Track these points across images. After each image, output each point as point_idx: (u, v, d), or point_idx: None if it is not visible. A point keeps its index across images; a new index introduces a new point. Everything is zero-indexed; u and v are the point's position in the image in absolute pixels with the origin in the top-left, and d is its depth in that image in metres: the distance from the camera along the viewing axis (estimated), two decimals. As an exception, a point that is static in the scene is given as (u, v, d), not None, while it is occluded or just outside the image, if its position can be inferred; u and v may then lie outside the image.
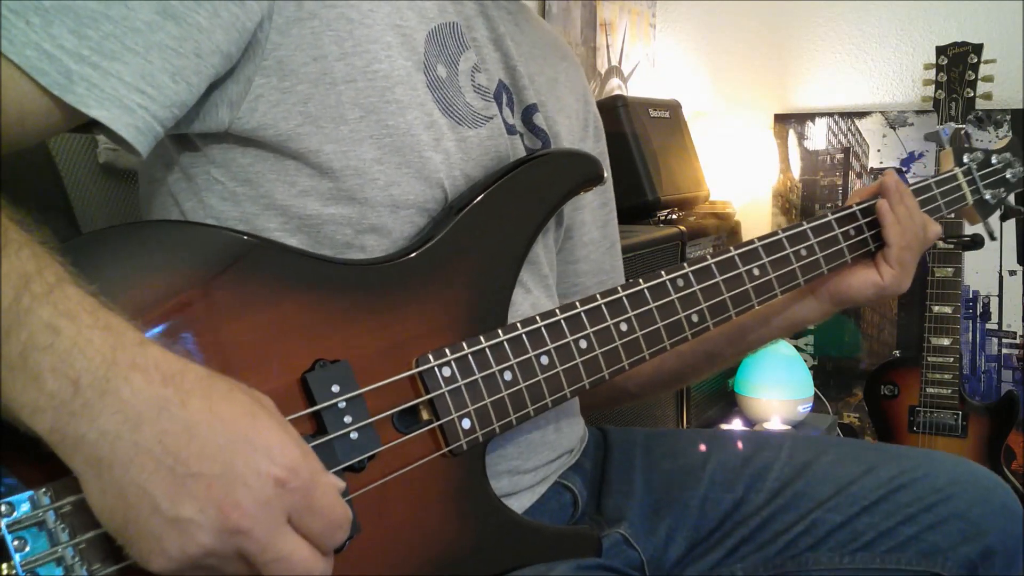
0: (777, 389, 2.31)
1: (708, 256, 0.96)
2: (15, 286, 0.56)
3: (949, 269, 2.28)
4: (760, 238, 1.00)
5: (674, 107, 2.42)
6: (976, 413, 2.32)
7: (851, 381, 2.79)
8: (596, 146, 1.12)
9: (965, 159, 1.22)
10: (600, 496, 1.04)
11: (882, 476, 0.98)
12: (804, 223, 1.04)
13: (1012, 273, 2.54)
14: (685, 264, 0.94)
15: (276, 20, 0.76)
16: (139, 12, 0.68)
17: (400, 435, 0.75)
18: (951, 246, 2.25)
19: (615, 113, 2.11)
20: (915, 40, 2.65)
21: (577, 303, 0.86)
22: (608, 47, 2.70)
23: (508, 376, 0.81)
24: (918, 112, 2.63)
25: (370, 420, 0.73)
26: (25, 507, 0.58)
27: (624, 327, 0.88)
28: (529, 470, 0.92)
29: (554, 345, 0.84)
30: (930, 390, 2.35)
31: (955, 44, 2.31)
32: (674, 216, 2.18)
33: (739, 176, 2.78)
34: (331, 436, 0.70)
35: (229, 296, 0.69)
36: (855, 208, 1.08)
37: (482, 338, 0.80)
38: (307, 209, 0.81)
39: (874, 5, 2.68)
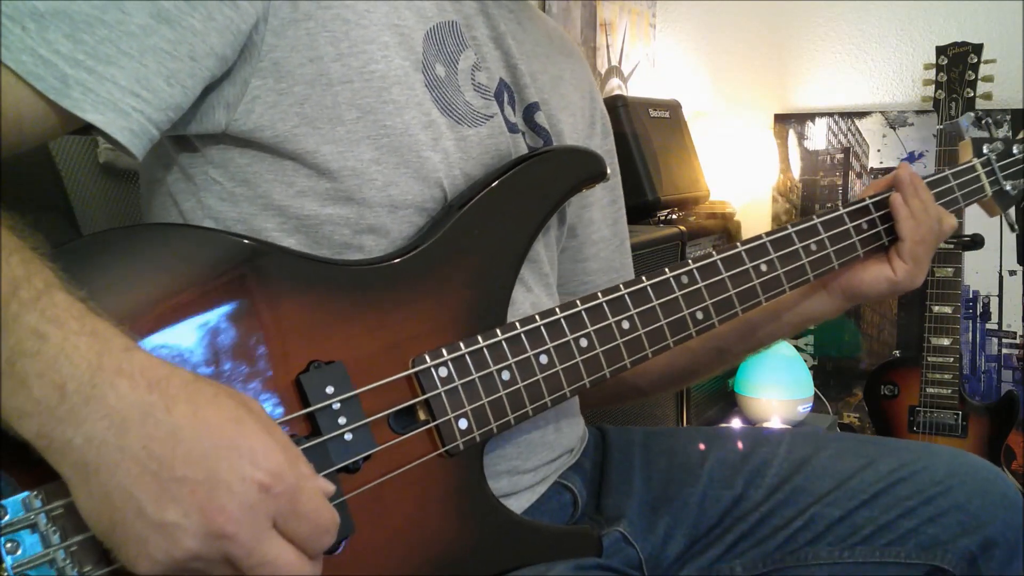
0: (777, 389, 2.31)
1: (713, 252, 0.95)
2: (3, 292, 0.56)
3: (949, 269, 2.28)
4: (768, 233, 0.99)
5: (674, 107, 2.42)
6: (976, 413, 2.32)
7: (851, 381, 2.79)
8: (604, 143, 1.11)
9: (984, 149, 1.20)
10: (599, 495, 1.04)
11: (881, 470, 0.97)
12: (815, 217, 1.03)
13: (1012, 273, 2.54)
14: (690, 260, 0.93)
15: (271, 22, 0.76)
16: (134, 16, 0.68)
17: (396, 436, 0.75)
18: (951, 246, 2.25)
19: (615, 113, 2.11)
20: (915, 40, 2.65)
21: (578, 301, 0.86)
22: (608, 47, 2.70)
23: (506, 376, 0.81)
24: (918, 112, 2.63)
25: (365, 421, 0.73)
26: (17, 510, 0.58)
27: (626, 325, 0.88)
28: (529, 470, 0.92)
29: (553, 344, 0.84)
30: (930, 390, 2.34)
31: (955, 44, 2.31)
32: (674, 216, 2.17)
33: (739, 176, 2.78)
34: (325, 438, 0.70)
35: (226, 298, 0.69)
36: (868, 201, 1.06)
37: (480, 338, 0.80)
38: (305, 209, 0.81)
39: (874, 5, 2.68)
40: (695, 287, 0.92)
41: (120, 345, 0.58)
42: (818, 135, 2.79)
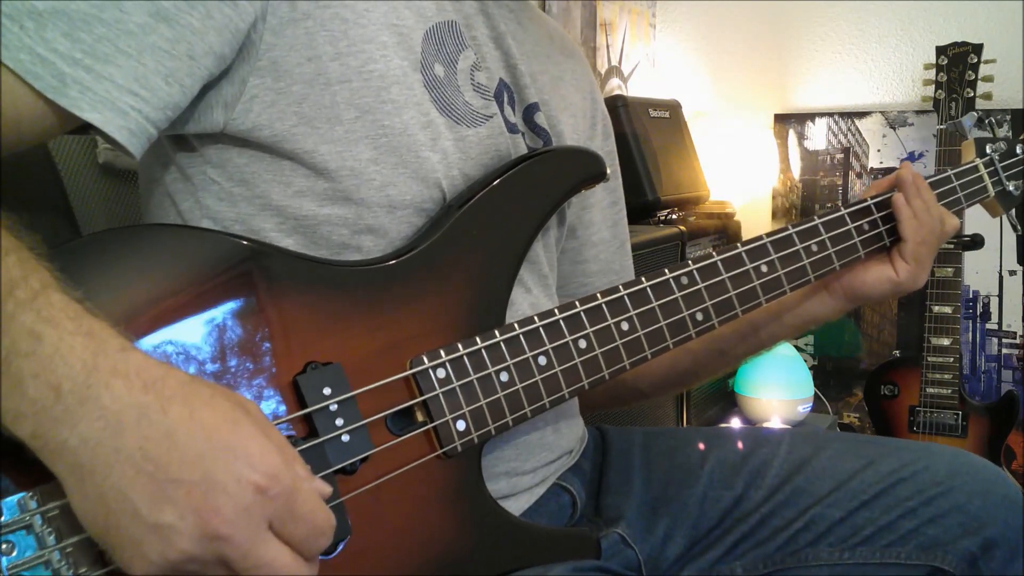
0: (777, 389, 2.31)
1: (713, 253, 0.95)
2: (0, 292, 0.56)
3: (949, 269, 2.28)
4: (769, 234, 0.98)
5: (674, 107, 2.42)
6: (976, 413, 2.32)
7: (851, 381, 2.78)
8: (605, 144, 1.11)
9: (987, 149, 1.19)
10: (598, 496, 1.04)
11: (881, 470, 0.97)
12: (816, 218, 1.02)
13: (1012, 273, 2.54)
14: (690, 261, 0.92)
15: (270, 21, 0.76)
16: (132, 15, 0.68)
17: (393, 437, 0.75)
18: (951, 246, 2.25)
19: (615, 113, 2.11)
20: (915, 40, 2.64)
21: (577, 302, 0.86)
22: (608, 47, 2.70)
23: (504, 377, 0.80)
24: (918, 112, 2.63)
25: (362, 422, 0.72)
26: (12, 511, 0.58)
27: (625, 326, 0.88)
28: (527, 471, 0.92)
29: (552, 345, 0.83)
30: (930, 390, 2.34)
31: (955, 44, 2.31)
32: (674, 216, 2.17)
33: (739, 176, 2.78)
34: (322, 439, 0.70)
35: (223, 299, 0.69)
36: (870, 202, 1.06)
37: (478, 339, 0.80)
38: (303, 210, 0.81)
39: (874, 5, 2.67)
40: (695, 288, 0.92)
41: (116, 346, 0.58)
42: (818, 135, 2.79)
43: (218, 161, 0.81)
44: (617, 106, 2.13)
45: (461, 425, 0.78)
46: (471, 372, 0.79)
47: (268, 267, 0.72)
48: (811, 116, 2.79)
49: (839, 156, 2.77)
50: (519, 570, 0.82)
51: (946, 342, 2.31)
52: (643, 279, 0.89)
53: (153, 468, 0.56)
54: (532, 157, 0.89)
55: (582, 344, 0.85)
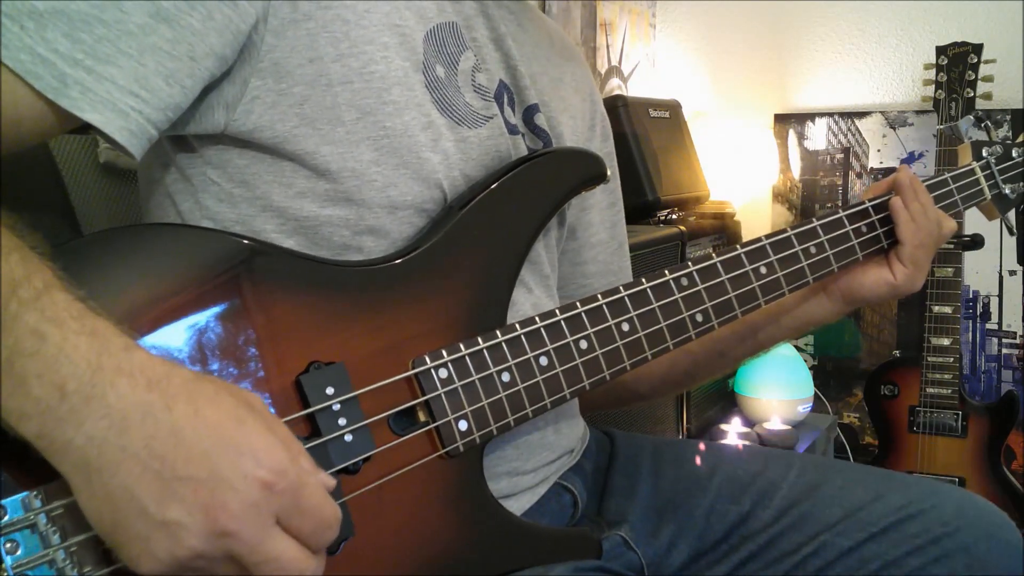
0: (777, 389, 2.31)
1: (713, 255, 0.95)
2: (3, 291, 0.56)
3: (949, 269, 2.28)
4: (768, 235, 0.99)
5: (674, 107, 2.42)
6: (976, 413, 2.32)
7: (851, 381, 2.78)
8: (603, 146, 1.11)
9: (984, 153, 1.20)
10: (601, 498, 1.04)
11: (891, 504, 0.97)
12: (814, 220, 1.02)
13: (1012, 273, 2.54)
14: (690, 263, 0.93)
15: (271, 22, 0.76)
16: (133, 15, 0.68)
17: (396, 437, 0.75)
18: (951, 246, 2.25)
19: (615, 113, 2.11)
20: (915, 40, 2.65)
21: (578, 303, 0.86)
22: (608, 47, 2.70)
23: (506, 377, 0.81)
24: (918, 112, 2.63)
25: (365, 422, 0.73)
26: (16, 510, 0.58)
27: (626, 327, 0.88)
28: (528, 471, 0.92)
29: (553, 346, 0.83)
30: (930, 390, 2.34)
31: (955, 44, 2.31)
32: (674, 216, 2.17)
33: (739, 176, 2.78)
34: (325, 439, 0.70)
35: (225, 299, 0.69)
36: (867, 204, 1.06)
37: (480, 339, 0.80)
38: (304, 211, 0.81)
39: (874, 5, 2.68)
40: (695, 289, 0.92)
41: (120, 344, 0.58)
42: (818, 135, 2.79)
43: (219, 162, 0.81)
44: (617, 106, 2.13)
45: (463, 425, 0.78)
46: (473, 372, 0.79)
47: (270, 267, 0.72)
48: (811, 116, 2.79)
49: (839, 156, 2.77)
50: (521, 570, 0.82)
51: (946, 342, 2.31)
52: (643, 280, 0.90)
53: (159, 466, 0.56)
54: (533, 158, 0.89)
55: (583, 345, 0.85)
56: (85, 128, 0.68)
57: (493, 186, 0.85)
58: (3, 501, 0.58)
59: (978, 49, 2.28)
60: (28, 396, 0.55)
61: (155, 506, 0.56)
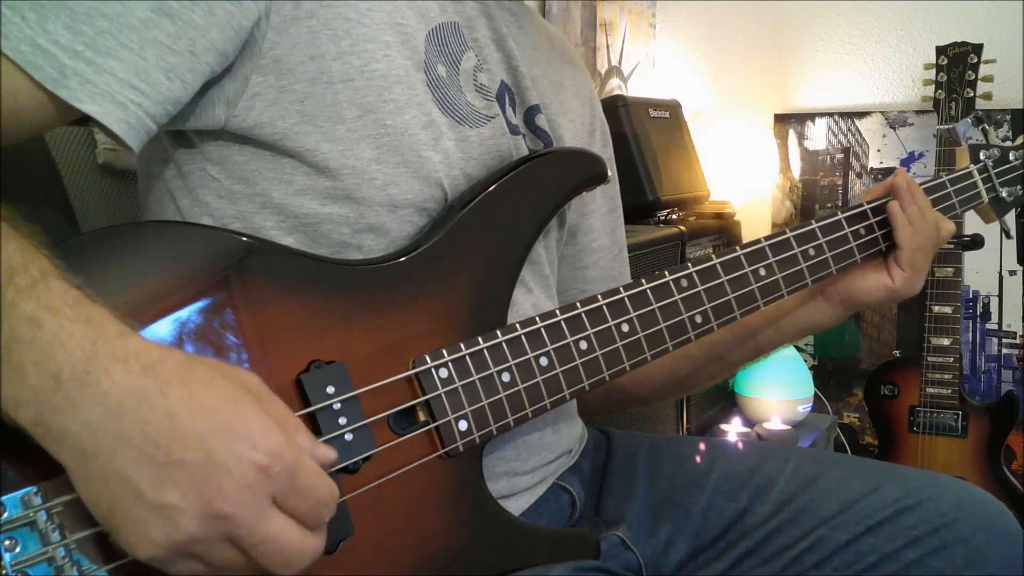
0: (777, 389, 2.31)
1: (713, 256, 0.95)
2: (0, 279, 0.56)
3: (949, 269, 2.28)
4: (767, 237, 0.99)
5: (674, 107, 2.42)
6: (976, 413, 2.32)
7: (851, 381, 2.79)
8: (603, 151, 1.11)
9: (981, 156, 1.20)
10: (599, 498, 1.04)
11: (887, 496, 0.97)
12: (813, 222, 1.03)
13: (1012, 273, 2.54)
14: (689, 264, 0.93)
15: (273, 19, 0.76)
16: (134, 9, 0.68)
17: (396, 436, 0.75)
18: (951, 246, 2.25)
19: (615, 113, 2.11)
20: (915, 40, 2.65)
21: (578, 303, 0.86)
22: (608, 47, 2.70)
23: (506, 377, 0.81)
24: (918, 112, 2.63)
25: (365, 422, 0.72)
26: (15, 507, 0.58)
27: (626, 328, 0.88)
28: (527, 471, 0.92)
29: (553, 346, 0.83)
30: (930, 390, 2.34)
31: (955, 44, 2.31)
32: (674, 216, 2.17)
33: (739, 176, 2.78)
34: (325, 438, 0.70)
35: (225, 297, 0.69)
36: (866, 207, 1.06)
37: (480, 339, 0.80)
38: (304, 208, 0.81)
39: (874, 5, 2.68)
40: (694, 290, 0.92)
41: (114, 331, 0.58)
42: (818, 135, 2.79)
43: (218, 158, 0.81)
44: (617, 106, 2.13)
45: (463, 425, 0.78)
46: (473, 372, 0.79)
47: (271, 265, 0.72)
48: (811, 116, 2.79)
49: (839, 156, 2.77)
50: (519, 570, 0.82)
51: (946, 342, 2.31)
52: (643, 281, 0.90)
53: (155, 451, 0.56)
54: (534, 158, 0.89)
55: (583, 345, 0.85)
56: (84, 120, 0.68)
57: (494, 186, 0.85)
58: (2, 498, 0.57)
59: (978, 49, 2.28)
60: (24, 383, 0.55)
61: (151, 490, 0.56)
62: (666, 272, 0.91)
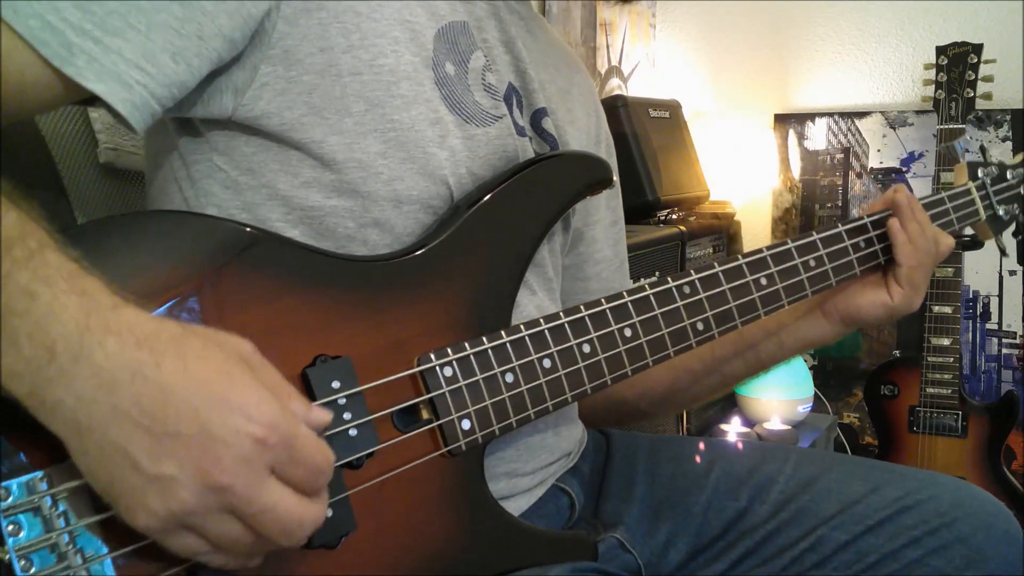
0: (777, 389, 2.31)
1: (715, 263, 0.96)
2: None
3: (949, 269, 2.28)
4: (769, 247, 1.00)
5: (674, 107, 2.42)
6: (976, 413, 2.32)
7: (851, 381, 2.79)
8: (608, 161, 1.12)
9: (979, 173, 1.21)
10: (598, 500, 1.04)
11: (887, 496, 0.97)
12: (814, 233, 1.03)
13: (1012, 273, 2.54)
14: (692, 271, 0.93)
15: (284, 10, 0.76)
16: None
17: (399, 434, 0.75)
18: (951, 246, 2.25)
19: (615, 113, 2.11)
20: (915, 40, 2.65)
21: (582, 307, 0.86)
22: (608, 47, 2.70)
23: (510, 378, 0.81)
24: (918, 112, 2.63)
25: (369, 418, 0.72)
26: (20, 492, 0.57)
27: (628, 332, 0.88)
28: (527, 473, 0.92)
29: (557, 348, 0.83)
30: (930, 390, 2.34)
31: (955, 44, 2.31)
32: (674, 216, 2.18)
33: (739, 176, 2.78)
34: (329, 433, 0.70)
35: (230, 289, 0.69)
36: (866, 220, 1.07)
37: (484, 339, 0.80)
38: (309, 200, 0.81)
39: (874, 5, 2.68)
40: (696, 298, 0.93)
41: (108, 303, 0.58)
42: (818, 135, 2.79)
43: (225, 148, 0.81)
44: (617, 106, 2.13)
45: (466, 424, 0.78)
46: (477, 372, 0.79)
47: (277, 258, 0.72)
48: (811, 116, 2.80)
49: (839, 156, 2.77)
50: (518, 570, 0.82)
51: (946, 342, 2.31)
52: (646, 286, 0.90)
53: (150, 423, 0.55)
54: (541, 160, 0.89)
55: (586, 348, 0.85)
56: (89, 101, 0.68)
57: (501, 186, 0.85)
58: (7, 483, 0.57)
59: (978, 49, 2.29)
60: (19, 355, 0.55)
61: (147, 461, 0.55)
62: (669, 278, 0.92)
